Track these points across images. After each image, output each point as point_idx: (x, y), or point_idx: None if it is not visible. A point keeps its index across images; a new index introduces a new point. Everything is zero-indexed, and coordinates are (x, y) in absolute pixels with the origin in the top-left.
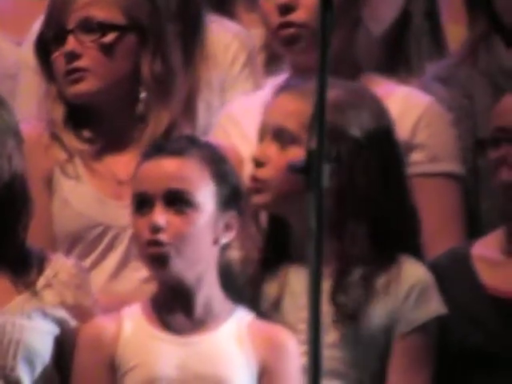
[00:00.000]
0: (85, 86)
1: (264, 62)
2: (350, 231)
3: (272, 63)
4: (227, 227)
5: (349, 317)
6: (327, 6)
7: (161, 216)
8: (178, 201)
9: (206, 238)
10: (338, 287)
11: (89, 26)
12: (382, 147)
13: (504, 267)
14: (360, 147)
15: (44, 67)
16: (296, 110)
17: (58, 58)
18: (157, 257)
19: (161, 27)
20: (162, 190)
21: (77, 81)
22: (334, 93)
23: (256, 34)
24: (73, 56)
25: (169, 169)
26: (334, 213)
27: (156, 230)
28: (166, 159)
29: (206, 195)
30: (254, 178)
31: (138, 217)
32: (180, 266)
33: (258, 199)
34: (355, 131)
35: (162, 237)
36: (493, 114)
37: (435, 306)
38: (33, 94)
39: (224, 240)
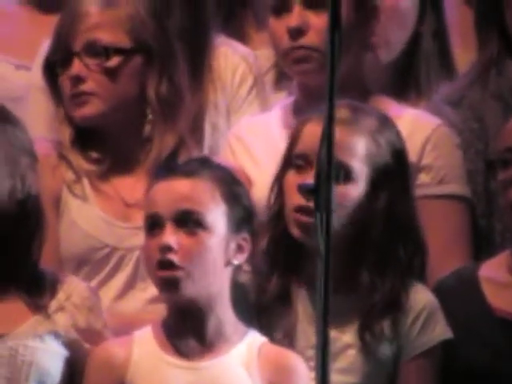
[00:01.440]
0: (90, 110)
1: (273, 82)
2: (368, 282)
3: (280, 83)
4: (239, 249)
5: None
6: (335, 29)
7: (171, 236)
8: (189, 222)
9: (218, 260)
10: (372, 325)
11: (94, 50)
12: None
13: (511, 289)
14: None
15: (52, 89)
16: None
17: (64, 80)
18: (168, 279)
19: (167, 48)
20: (172, 210)
21: (82, 104)
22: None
23: (265, 54)
24: (78, 79)
25: (180, 190)
26: (348, 264)
27: (166, 250)
28: (178, 180)
29: (217, 216)
30: None
31: (149, 238)
32: (191, 289)
33: None
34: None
35: (173, 257)
36: (501, 135)
37: (441, 331)
38: (43, 115)
39: (236, 262)
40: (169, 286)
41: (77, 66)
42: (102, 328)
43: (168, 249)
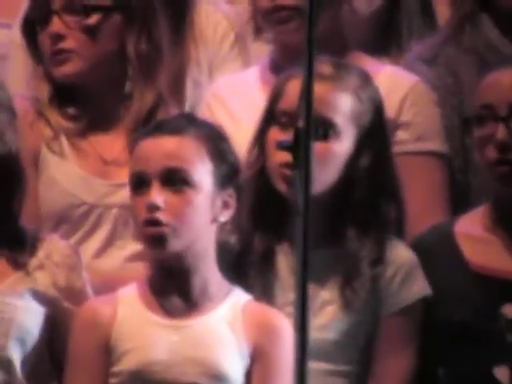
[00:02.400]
0: (70, 68)
1: (252, 34)
2: (354, 238)
3: (259, 36)
4: (225, 205)
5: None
6: None
7: (158, 195)
8: (176, 180)
9: (204, 217)
10: (352, 280)
11: (73, 7)
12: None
13: (487, 244)
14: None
15: (31, 47)
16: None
17: (44, 39)
18: (155, 237)
19: (147, 5)
20: (159, 168)
21: (62, 62)
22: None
23: (245, 10)
24: (57, 37)
25: (166, 147)
26: (333, 220)
27: (153, 209)
28: (164, 138)
29: (203, 174)
30: None
31: (136, 196)
32: (178, 246)
33: None
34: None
35: (160, 216)
36: (477, 91)
37: (420, 287)
38: (22, 73)
39: (222, 219)
40: (156, 243)
41: (56, 24)
42: (82, 287)
43: (155, 208)
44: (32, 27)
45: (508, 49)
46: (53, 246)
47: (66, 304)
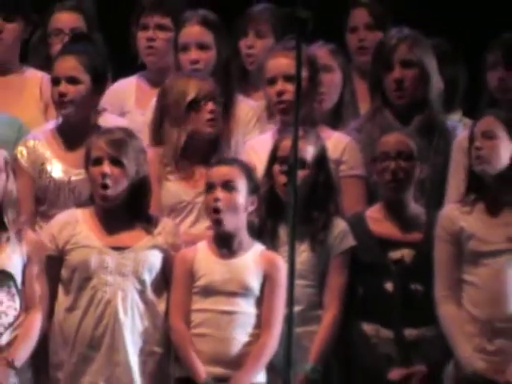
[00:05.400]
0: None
1: (267, 117)
2: (318, 215)
3: (270, 118)
4: (252, 203)
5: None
6: (299, 93)
7: (219, 195)
8: (230, 187)
9: (242, 207)
10: (316, 239)
11: None
12: (326, 162)
13: (380, 221)
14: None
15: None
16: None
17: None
18: (216, 219)
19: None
20: (220, 181)
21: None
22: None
23: (263, 104)
24: None
25: (224, 171)
26: (306, 209)
27: (217, 202)
28: (222, 166)
29: (243, 186)
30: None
31: (208, 194)
32: (230, 223)
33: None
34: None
35: (220, 206)
36: (379, 144)
37: (350, 241)
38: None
39: (250, 209)
40: (216, 221)
41: None
42: (180, 243)
43: (217, 200)
44: None
45: (398, 126)
46: (165, 223)
47: (172, 253)
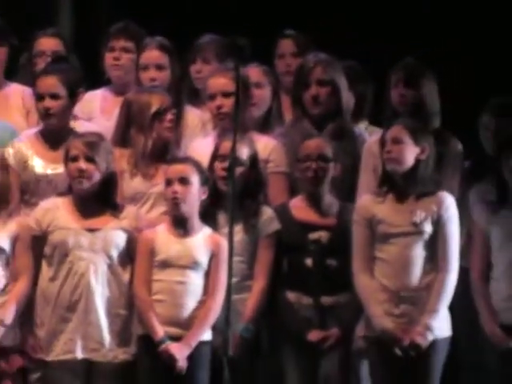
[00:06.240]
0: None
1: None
2: (250, 204)
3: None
4: (203, 193)
5: (249, 227)
6: (238, 105)
7: (176, 188)
8: (185, 181)
9: (196, 196)
10: (248, 223)
11: None
12: (257, 161)
13: (302, 209)
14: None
15: None
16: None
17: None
18: (175, 204)
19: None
20: (176, 176)
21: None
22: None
23: (208, 115)
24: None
25: (180, 168)
26: (241, 199)
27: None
28: (178, 164)
29: (196, 179)
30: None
31: (167, 188)
32: (186, 208)
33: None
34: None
35: (178, 196)
36: (302, 148)
37: (276, 225)
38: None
39: (202, 197)
40: (175, 206)
41: None
42: (141, 226)
43: (175, 193)
44: None
45: (315, 132)
46: (129, 209)
47: (135, 234)
